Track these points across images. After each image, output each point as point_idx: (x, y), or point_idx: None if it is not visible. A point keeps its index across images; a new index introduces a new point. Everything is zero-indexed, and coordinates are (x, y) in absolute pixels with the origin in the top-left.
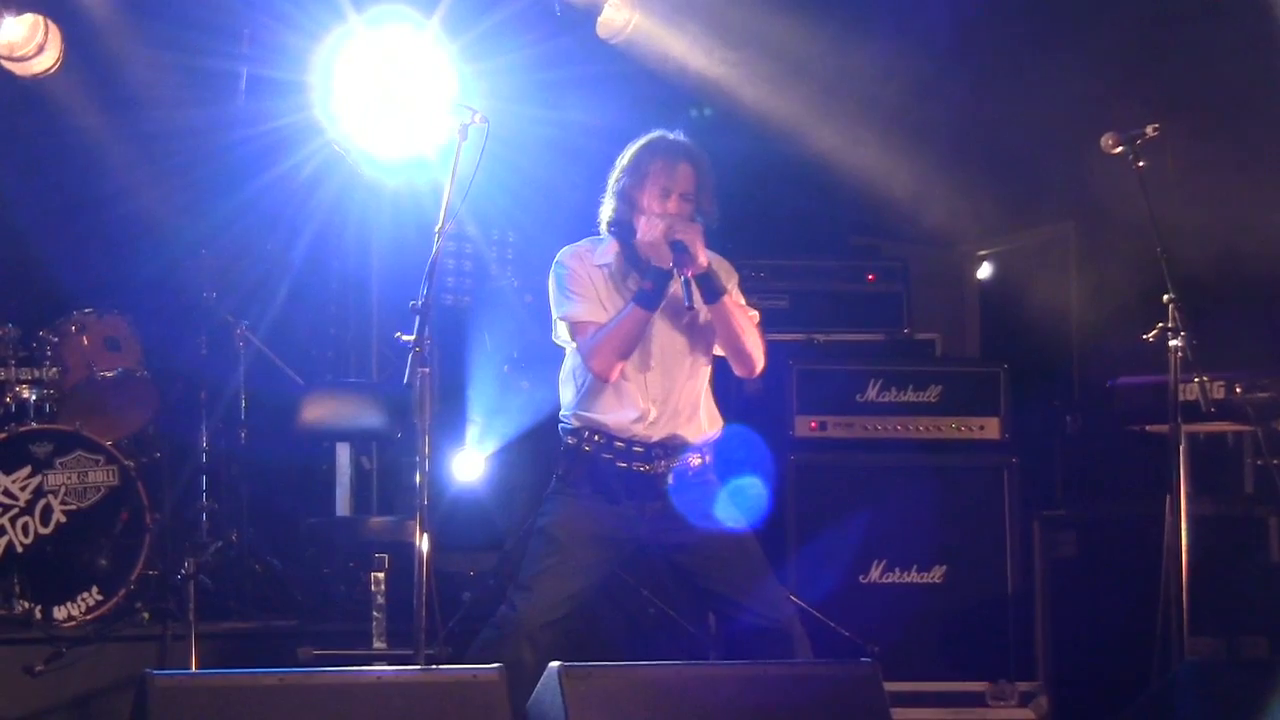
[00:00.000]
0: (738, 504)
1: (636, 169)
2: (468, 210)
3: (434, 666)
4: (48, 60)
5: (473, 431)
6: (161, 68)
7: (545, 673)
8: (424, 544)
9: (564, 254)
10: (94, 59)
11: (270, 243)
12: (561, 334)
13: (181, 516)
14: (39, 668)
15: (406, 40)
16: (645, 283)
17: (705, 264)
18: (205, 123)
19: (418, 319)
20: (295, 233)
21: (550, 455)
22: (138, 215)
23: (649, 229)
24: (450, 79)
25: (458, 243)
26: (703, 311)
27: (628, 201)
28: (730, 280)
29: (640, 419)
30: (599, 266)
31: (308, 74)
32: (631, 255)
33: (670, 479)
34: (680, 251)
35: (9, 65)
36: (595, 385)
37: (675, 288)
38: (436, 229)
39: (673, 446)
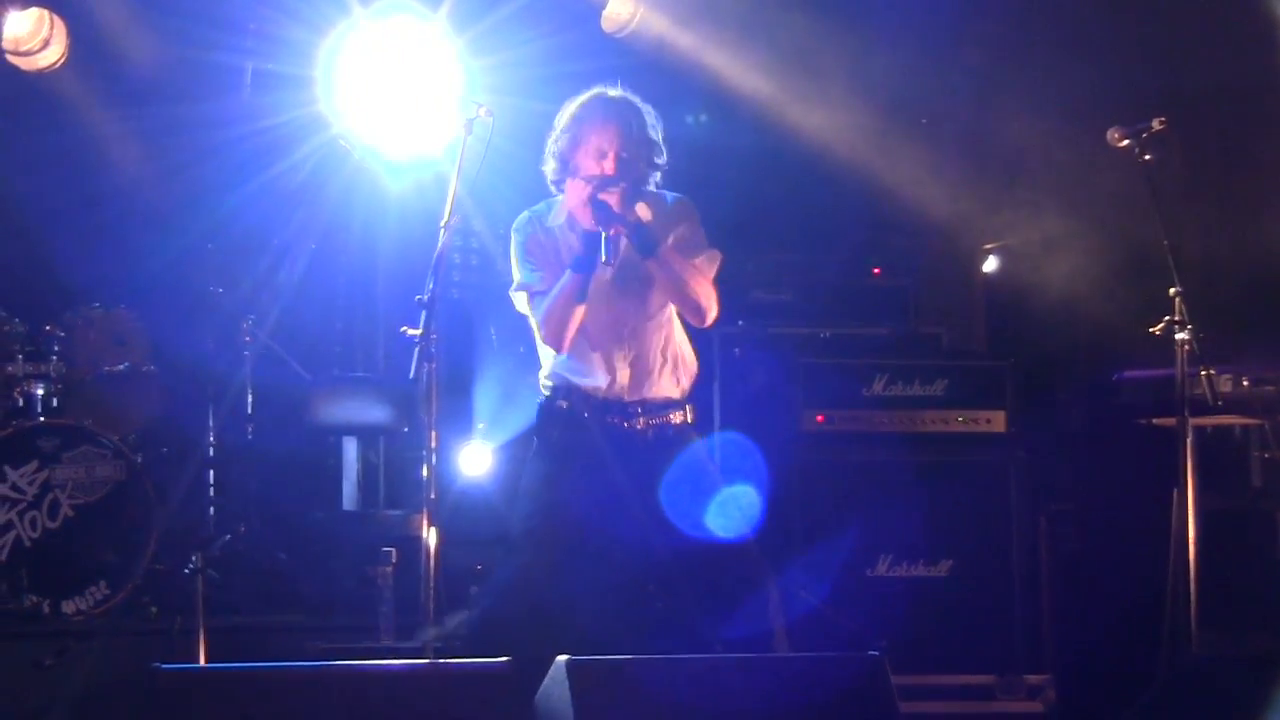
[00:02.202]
0: (731, 512)
1: (569, 130)
2: (473, 204)
3: (442, 660)
4: (53, 54)
5: (480, 425)
6: (167, 62)
7: (553, 666)
8: (431, 538)
9: (519, 221)
10: (99, 53)
11: (276, 237)
12: (520, 304)
13: (188, 511)
14: (48, 662)
15: (412, 34)
16: (577, 247)
17: (633, 219)
18: (210, 117)
19: (424, 313)
20: (301, 227)
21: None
22: (143, 210)
23: (572, 192)
24: (456, 73)
25: (463, 237)
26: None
27: (563, 163)
28: (681, 225)
29: (611, 382)
30: (553, 227)
31: (313, 68)
32: (571, 217)
33: (650, 436)
34: (602, 210)
35: (14, 60)
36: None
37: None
38: (442, 223)
39: (651, 404)
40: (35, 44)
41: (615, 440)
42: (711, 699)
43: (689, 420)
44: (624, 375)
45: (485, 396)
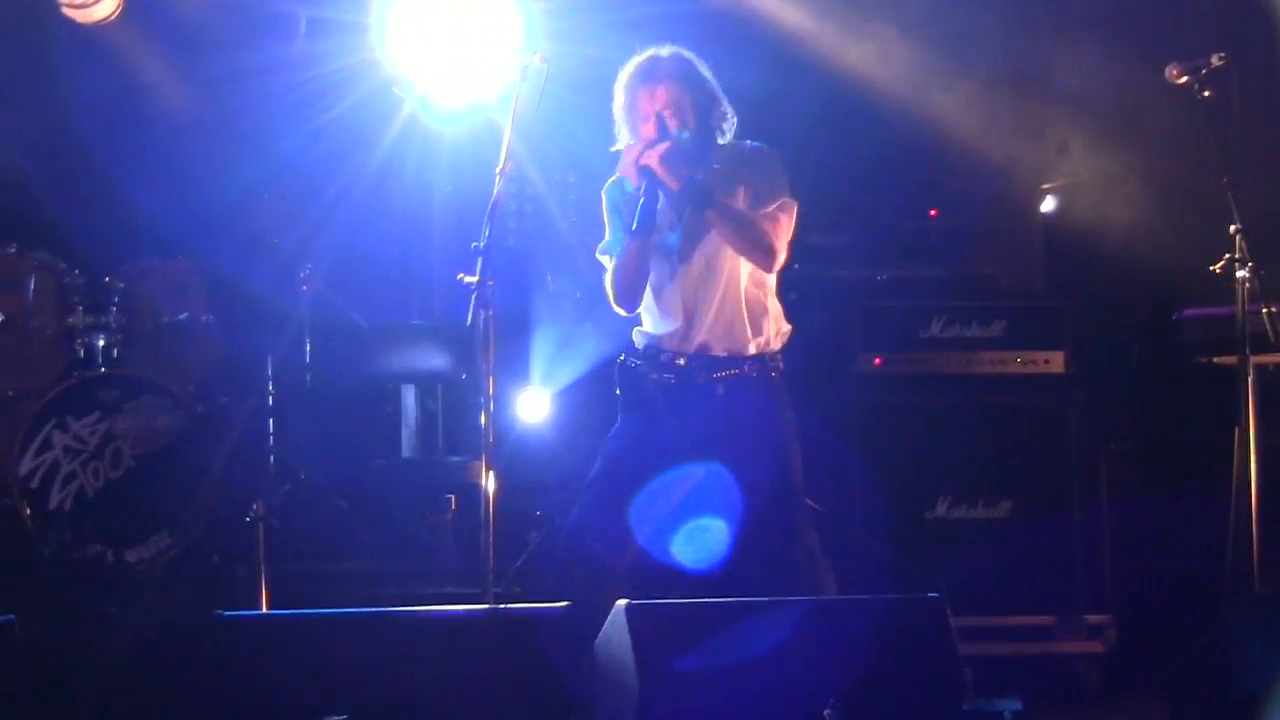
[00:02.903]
0: (697, 543)
1: (621, 97)
2: (528, 152)
3: (502, 605)
4: (108, 7)
5: (537, 371)
6: (221, 9)
7: (613, 611)
8: (490, 484)
9: (607, 184)
10: (154, 2)
11: (332, 185)
12: (607, 265)
13: (249, 459)
14: (112, 610)
15: None
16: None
17: (678, 179)
18: (265, 64)
19: (480, 260)
20: (357, 174)
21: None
22: (199, 159)
23: (624, 158)
24: (513, 19)
25: (518, 184)
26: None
27: (630, 129)
28: (753, 174)
29: (674, 333)
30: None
31: (367, 15)
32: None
33: (721, 390)
34: (647, 176)
35: (70, 13)
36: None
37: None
38: (497, 170)
39: (713, 359)
40: None
41: (682, 396)
42: (771, 642)
43: (769, 374)
44: (698, 331)
45: (542, 343)
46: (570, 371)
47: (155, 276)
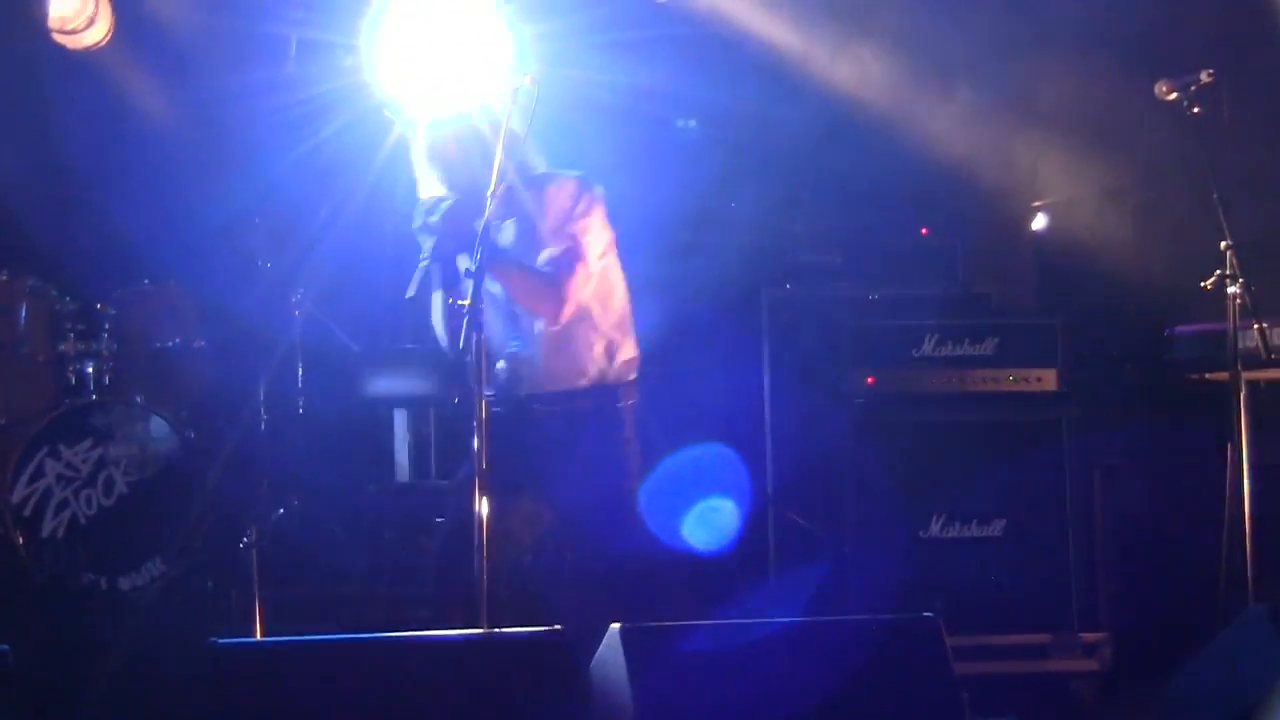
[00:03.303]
0: (706, 525)
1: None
2: (518, 174)
3: (496, 629)
4: (99, 33)
5: None
6: (211, 32)
7: (607, 634)
8: (484, 508)
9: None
10: (144, 25)
11: (322, 207)
12: None
13: (242, 485)
14: (106, 638)
15: (459, 1)
16: None
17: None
18: (255, 87)
19: (471, 282)
20: (347, 196)
21: (608, 420)
22: (191, 182)
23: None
24: (503, 42)
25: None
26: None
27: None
28: (542, 223)
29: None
30: None
31: (357, 37)
32: None
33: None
34: (432, 234)
35: (61, 39)
36: None
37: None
38: (488, 193)
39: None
40: (81, 22)
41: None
42: (767, 663)
43: (614, 403)
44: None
45: None
46: None
47: (147, 302)
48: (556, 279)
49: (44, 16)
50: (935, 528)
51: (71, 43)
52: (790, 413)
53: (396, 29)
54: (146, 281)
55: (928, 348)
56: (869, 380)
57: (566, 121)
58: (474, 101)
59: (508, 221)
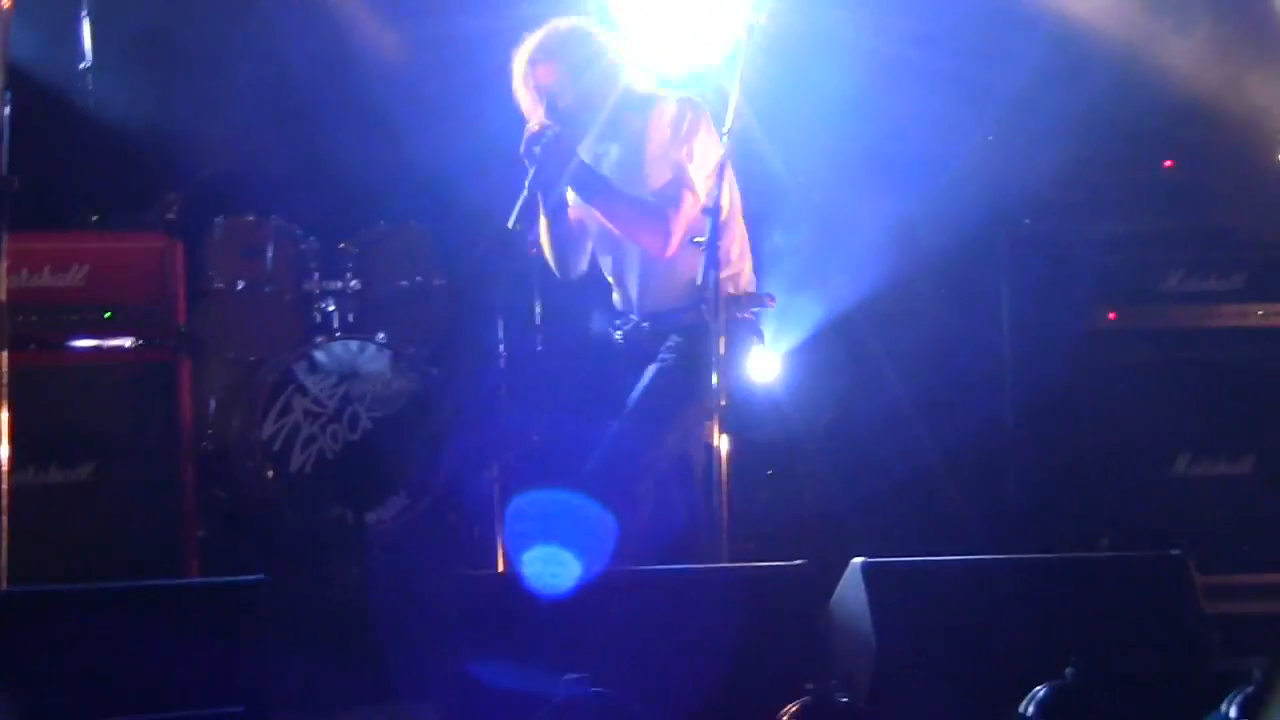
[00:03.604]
0: (547, 568)
1: (521, 72)
2: (754, 112)
3: (737, 564)
4: None
5: (767, 331)
6: None
7: (848, 569)
8: (723, 444)
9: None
10: None
11: None
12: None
13: (483, 421)
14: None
15: None
16: None
17: (568, 167)
18: (485, 29)
19: (709, 219)
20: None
21: (847, 355)
22: (429, 124)
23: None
24: None
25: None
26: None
27: (528, 105)
28: (648, 144)
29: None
30: None
31: None
32: None
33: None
34: (534, 163)
35: None
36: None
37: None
38: (724, 130)
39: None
40: None
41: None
42: (1006, 598)
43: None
44: (637, 296)
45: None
46: (798, 332)
47: (387, 241)
48: (663, 210)
49: None
50: (1181, 465)
51: None
52: (1030, 349)
53: None
54: (382, 222)
55: (1172, 282)
56: (1111, 315)
57: (799, 59)
58: (707, 43)
59: (612, 146)
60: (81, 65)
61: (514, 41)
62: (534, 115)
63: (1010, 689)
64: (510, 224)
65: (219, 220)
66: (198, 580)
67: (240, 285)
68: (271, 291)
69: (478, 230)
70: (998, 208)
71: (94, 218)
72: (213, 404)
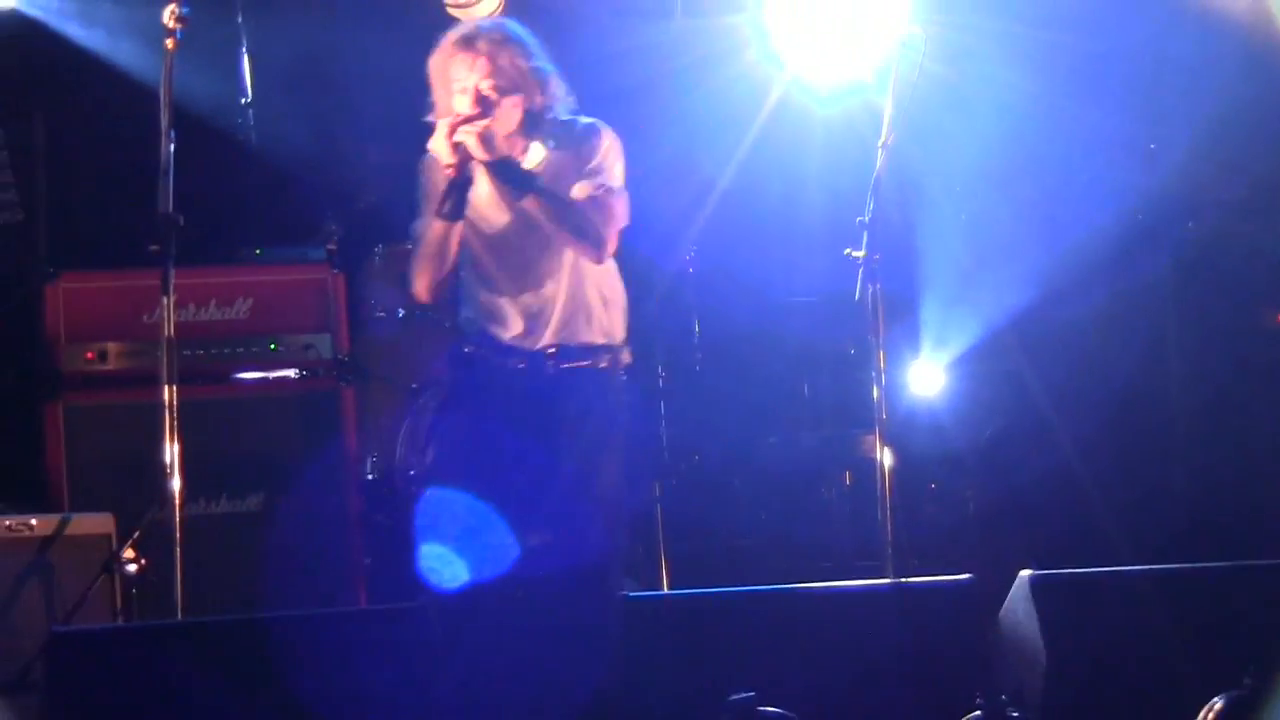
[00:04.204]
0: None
1: (436, 63)
2: (907, 124)
3: (903, 579)
4: (491, 4)
5: (927, 342)
6: None
7: (1016, 582)
8: (886, 458)
9: (422, 162)
10: None
11: (707, 163)
12: None
13: (642, 442)
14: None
15: None
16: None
17: (496, 157)
18: (641, 45)
19: (865, 234)
20: (730, 150)
21: (1009, 366)
22: None
23: (436, 134)
24: None
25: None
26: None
27: (440, 99)
28: (585, 156)
29: (524, 331)
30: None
31: None
32: None
33: (567, 382)
34: (460, 152)
35: (454, 12)
36: (469, 286)
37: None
38: (879, 143)
39: (569, 350)
40: None
41: (527, 388)
42: (1183, 609)
43: (619, 366)
44: (536, 322)
45: (931, 314)
46: (960, 342)
47: None
48: (603, 206)
49: None
50: None
51: (464, 15)
52: (1196, 353)
53: None
54: None
55: None
56: (1279, 318)
57: (952, 71)
58: (860, 54)
59: (535, 143)
60: (242, 100)
61: (661, 58)
62: (448, 104)
63: (1186, 700)
64: (441, 211)
65: (379, 249)
66: (366, 608)
67: (401, 313)
68: (432, 318)
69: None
70: (1159, 212)
71: (257, 251)
72: (376, 432)
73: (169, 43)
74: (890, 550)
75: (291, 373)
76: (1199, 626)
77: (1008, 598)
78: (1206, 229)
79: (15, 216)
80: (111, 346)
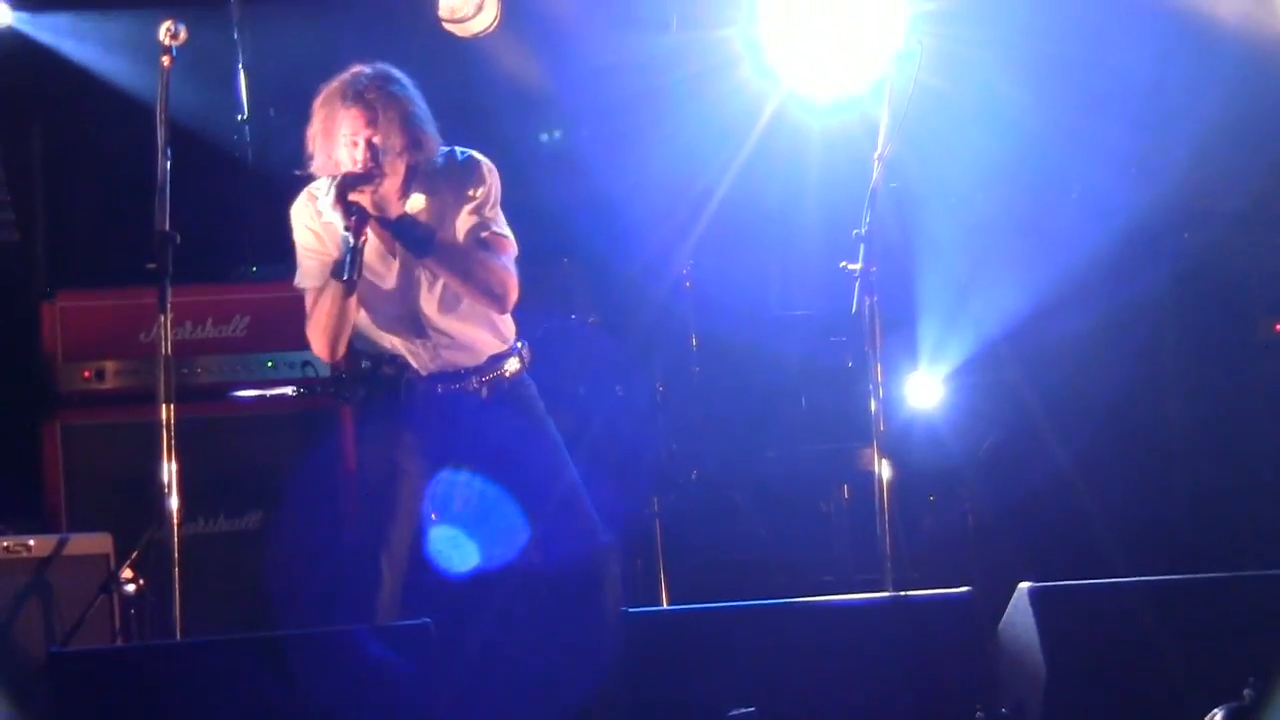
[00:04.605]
0: (450, 546)
1: (318, 115)
2: (903, 136)
3: (903, 592)
4: (486, 19)
5: (924, 355)
6: (592, 6)
7: (1015, 594)
8: (884, 471)
9: (295, 205)
10: (528, 8)
11: (703, 176)
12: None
13: (641, 456)
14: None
15: None
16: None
17: (395, 215)
18: (636, 60)
19: (862, 247)
20: (726, 163)
21: (1007, 377)
22: (573, 158)
23: (324, 197)
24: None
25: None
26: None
27: (322, 153)
28: (471, 195)
29: (421, 361)
30: (328, 215)
31: (738, 9)
32: None
33: (485, 393)
34: (353, 213)
35: (450, 28)
36: (368, 335)
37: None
38: (875, 155)
39: (476, 368)
40: (469, 9)
41: (446, 402)
42: (1183, 620)
43: (524, 363)
44: (430, 358)
45: (928, 327)
46: (958, 354)
47: (540, 280)
48: (496, 247)
49: (434, 6)
50: None
51: (460, 31)
52: (1194, 363)
53: None
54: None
55: None
56: (1277, 327)
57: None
58: (856, 67)
59: (415, 196)
60: (239, 117)
61: (656, 72)
62: (333, 160)
63: (1187, 712)
64: (346, 276)
65: None
66: (367, 626)
67: None
68: None
69: (630, 264)
70: (1157, 222)
71: (254, 269)
72: None
73: (165, 60)
74: (889, 563)
75: (289, 390)
76: (1199, 637)
77: (1007, 610)
78: (1205, 240)
79: (11, 235)
80: (109, 365)
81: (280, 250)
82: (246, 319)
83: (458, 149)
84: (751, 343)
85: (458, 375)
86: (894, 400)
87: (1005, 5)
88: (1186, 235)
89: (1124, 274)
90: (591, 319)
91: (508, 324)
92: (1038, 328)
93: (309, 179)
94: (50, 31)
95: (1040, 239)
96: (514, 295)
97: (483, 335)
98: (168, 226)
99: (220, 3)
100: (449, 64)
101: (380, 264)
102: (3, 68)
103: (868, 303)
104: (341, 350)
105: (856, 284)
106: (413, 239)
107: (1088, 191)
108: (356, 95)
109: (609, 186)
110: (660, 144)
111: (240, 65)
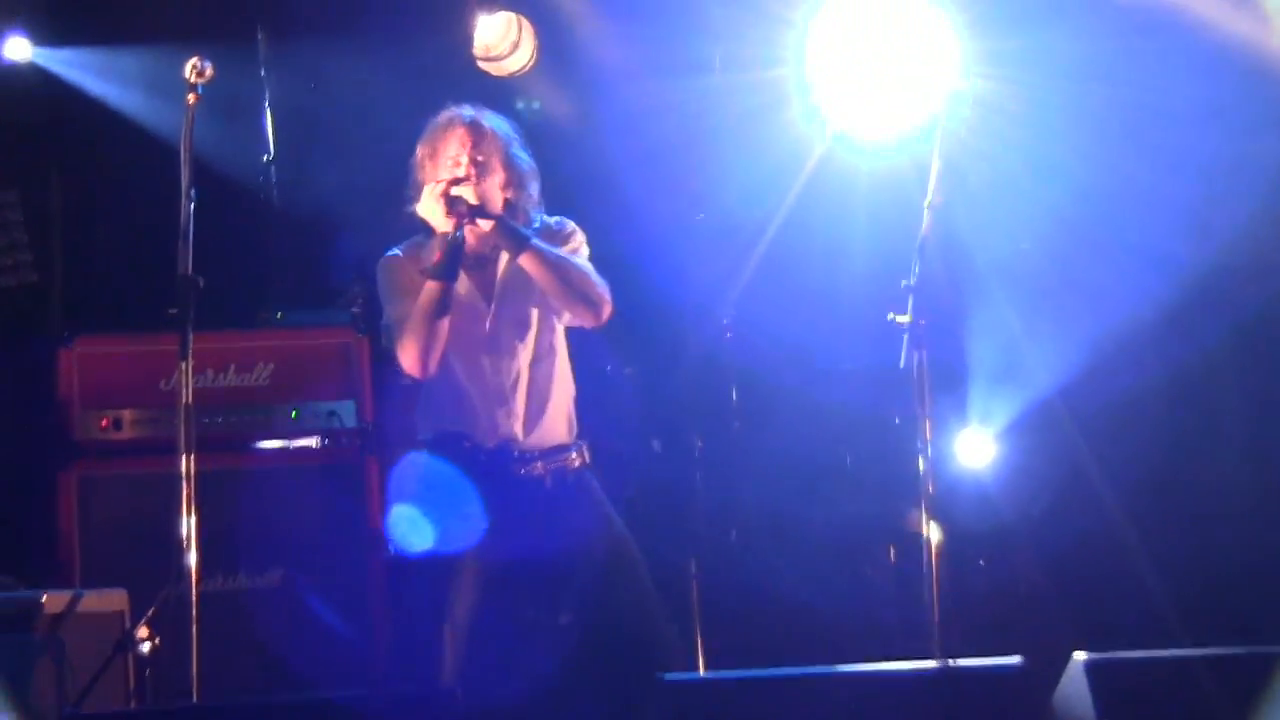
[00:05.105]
0: (407, 526)
1: (422, 148)
2: (952, 183)
3: (951, 661)
4: (522, 58)
5: (975, 412)
6: (632, 46)
7: (1070, 665)
8: (932, 533)
9: (388, 256)
10: (565, 48)
11: (747, 222)
12: (391, 340)
13: (681, 513)
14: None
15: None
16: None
17: (495, 210)
18: (678, 101)
19: (910, 298)
20: (771, 209)
21: (1055, 438)
22: (616, 201)
23: (427, 200)
24: (946, 46)
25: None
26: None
27: (430, 177)
28: (565, 244)
29: (498, 431)
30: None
31: (784, 48)
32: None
33: (549, 482)
34: (455, 205)
35: (485, 66)
36: (439, 398)
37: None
38: (926, 203)
39: (546, 450)
40: (504, 49)
41: (512, 487)
42: (1249, 695)
43: (586, 461)
44: (514, 423)
45: (979, 382)
46: (1010, 412)
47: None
48: (595, 278)
49: (469, 45)
50: None
51: (495, 70)
52: (1257, 421)
53: (826, 37)
54: None
55: None
56: None
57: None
58: (907, 110)
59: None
60: (265, 158)
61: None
62: (435, 176)
63: None
64: (445, 272)
65: None
66: (389, 689)
67: None
68: None
69: (670, 312)
70: (1217, 274)
71: (278, 314)
72: None
73: (190, 98)
74: (937, 630)
75: (313, 442)
76: (1260, 711)
77: (1061, 681)
78: (1266, 294)
79: (29, 277)
80: (127, 414)
81: (305, 296)
82: (270, 367)
83: (543, 215)
84: (794, 396)
85: (524, 458)
86: (943, 459)
87: (1059, 49)
88: (1248, 289)
89: (1182, 329)
90: (628, 370)
91: (574, 417)
92: (1092, 384)
93: (414, 219)
94: (72, 67)
95: (1095, 292)
96: (608, 308)
97: (560, 404)
98: (190, 270)
99: (248, 40)
100: (484, 104)
101: (479, 302)
102: (23, 105)
103: (917, 357)
104: (434, 362)
105: (905, 337)
106: (512, 231)
107: (1144, 243)
108: (468, 120)
109: (649, 232)
110: (703, 189)
111: (267, 104)
